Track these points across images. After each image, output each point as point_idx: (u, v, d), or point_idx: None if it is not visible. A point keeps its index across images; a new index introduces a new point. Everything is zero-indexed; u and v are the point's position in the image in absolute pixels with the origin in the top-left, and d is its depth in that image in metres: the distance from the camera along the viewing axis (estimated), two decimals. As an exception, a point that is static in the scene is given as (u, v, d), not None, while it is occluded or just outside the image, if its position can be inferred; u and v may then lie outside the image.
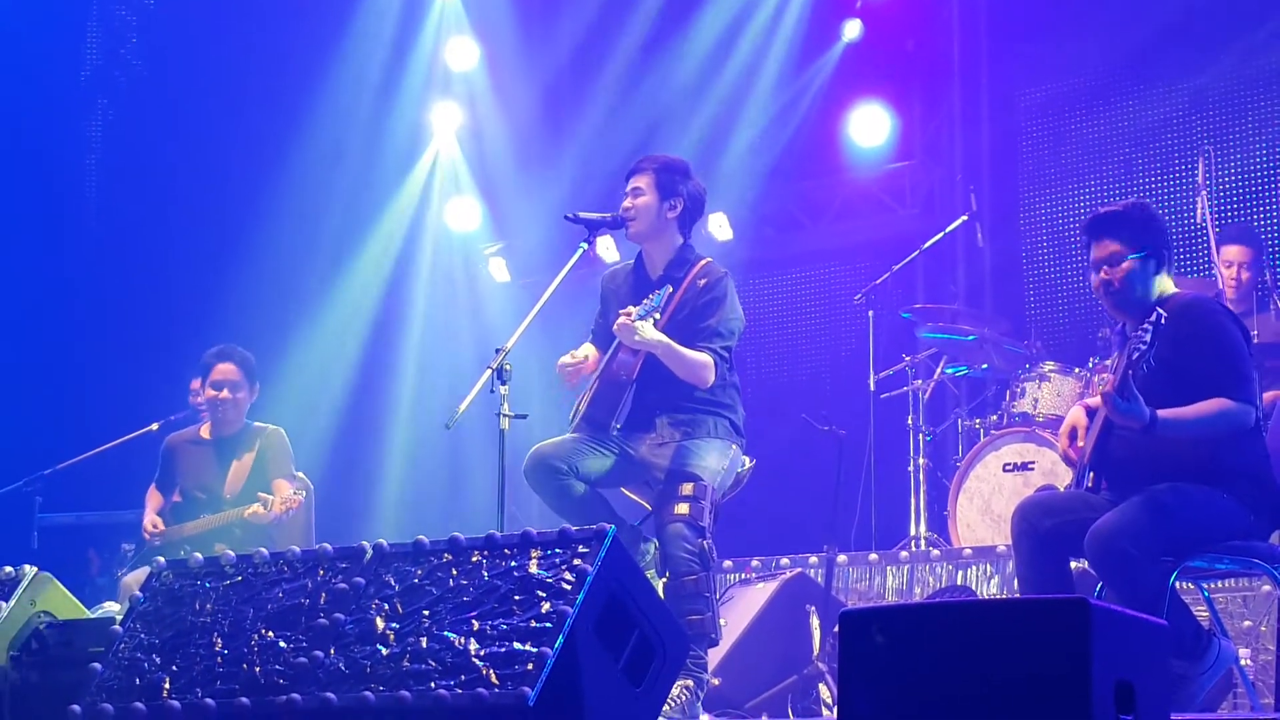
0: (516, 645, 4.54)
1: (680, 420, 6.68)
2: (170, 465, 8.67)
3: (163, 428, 9.50)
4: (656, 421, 6.71)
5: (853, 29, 11.32)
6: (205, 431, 8.65)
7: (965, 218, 10.13)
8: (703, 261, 6.88)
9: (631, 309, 6.61)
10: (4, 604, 5.73)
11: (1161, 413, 5.42)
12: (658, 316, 6.56)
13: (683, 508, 6.45)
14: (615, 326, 6.61)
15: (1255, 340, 7.86)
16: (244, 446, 8.54)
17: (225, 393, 8.51)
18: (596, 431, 6.76)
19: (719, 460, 6.63)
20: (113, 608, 7.90)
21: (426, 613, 4.79)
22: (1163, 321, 5.33)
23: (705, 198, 7.05)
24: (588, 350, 7.04)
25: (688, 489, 6.48)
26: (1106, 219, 5.90)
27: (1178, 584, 5.58)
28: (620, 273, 7.13)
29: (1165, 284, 5.86)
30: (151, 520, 8.46)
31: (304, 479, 8.76)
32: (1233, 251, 8.39)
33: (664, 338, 6.58)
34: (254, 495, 8.17)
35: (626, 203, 6.90)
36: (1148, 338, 5.30)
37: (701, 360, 6.63)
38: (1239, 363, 5.63)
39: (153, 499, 8.63)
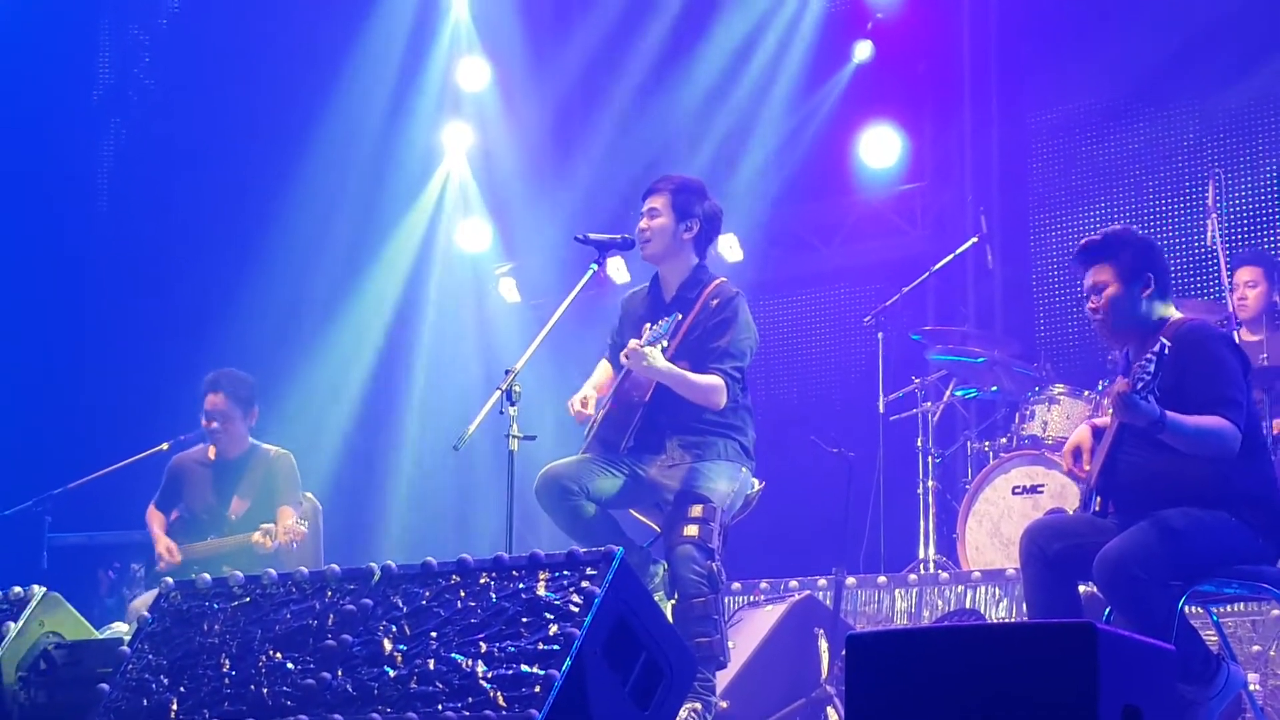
0: (524, 667, 4.54)
1: (690, 442, 6.69)
2: (174, 485, 8.68)
3: (173, 447, 9.50)
4: (667, 443, 6.71)
5: (863, 50, 11.32)
6: (211, 453, 8.67)
7: (975, 240, 10.12)
8: (716, 282, 6.88)
9: (646, 329, 6.62)
10: (13, 624, 5.74)
11: (1170, 414, 5.42)
12: (665, 344, 6.56)
13: (692, 530, 6.45)
14: (623, 356, 6.62)
15: (1266, 362, 7.89)
16: (249, 469, 8.56)
17: (215, 424, 8.56)
18: (608, 452, 6.77)
19: (729, 483, 6.63)
20: (121, 628, 7.90)
21: (434, 634, 4.80)
22: (1167, 351, 5.32)
23: (721, 218, 7.05)
24: (603, 372, 7.07)
25: (697, 511, 6.48)
26: (1091, 247, 5.93)
27: (1186, 608, 5.57)
28: (638, 295, 7.15)
29: (1165, 309, 5.86)
30: (166, 546, 8.44)
31: (312, 500, 8.77)
32: (1243, 273, 8.45)
33: (671, 366, 6.57)
34: (259, 519, 8.18)
35: (643, 223, 6.91)
36: (1152, 367, 5.29)
37: (711, 384, 6.63)
38: (1230, 387, 5.62)
39: (155, 518, 8.62)
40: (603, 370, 7.15)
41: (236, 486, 8.52)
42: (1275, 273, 8.62)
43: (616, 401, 6.82)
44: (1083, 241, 6.00)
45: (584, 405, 6.86)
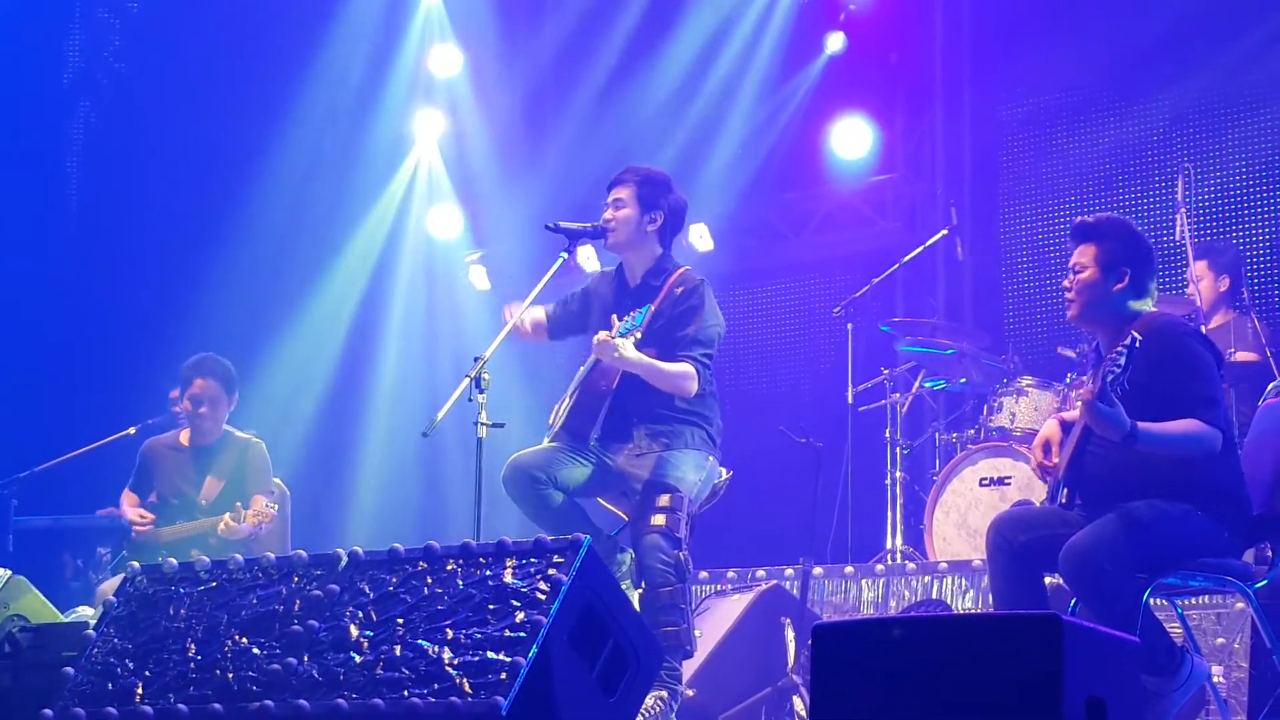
0: (490, 654, 4.54)
1: (658, 431, 6.69)
2: (147, 469, 8.66)
3: (140, 431, 9.49)
4: (634, 432, 6.72)
5: (835, 42, 11.34)
6: (184, 438, 8.65)
7: (945, 232, 10.15)
8: (680, 270, 6.90)
9: (614, 320, 6.63)
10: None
11: (1141, 425, 5.44)
12: (638, 336, 6.57)
13: (659, 519, 6.46)
14: (594, 345, 6.62)
15: (1233, 353, 7.94)
16: (223, 456, 8.54)
17: (204, 409, 8.53)
18: (575, 441, 6.78)
19: (696, 471, 6.65)
20: (86, 612, 7.88)
21: (401, 621, 4.79)
22: (1138, 345, 5.34)
23: (686, 210, 7.09)
24: (531, 314, 7.07)
25: (664, 500, 6.49)
26: (1083, 226, 5.98)
27: (1151, 601, 5.60)
28: (606, 276, 7.16)
29: (1141, 305, 5.87)
30: (139, 513, 8.43)
31: (280, 485, 8.76)
32: (1194, 267, 8.52)
33: (643, 356, 6.58)
34: (229, 505, 8.16)
35: (608, 213, 6.92)
36: (1123, 360, 5.31)
37: (682, 371, 6.65)
38: (1208, 386, 5.64)
39: (128, 499, 8.61)
40: (532, 313, 7.13)
41: (209, 472, 8.50)
42: (1217, 261, 8.69)
43: (584, 390, 6.83)
44: (1082, 218, 6.04)
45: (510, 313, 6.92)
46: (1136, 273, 5.86)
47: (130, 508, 8.53)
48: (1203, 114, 10.24)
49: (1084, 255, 5.91)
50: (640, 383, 6.65)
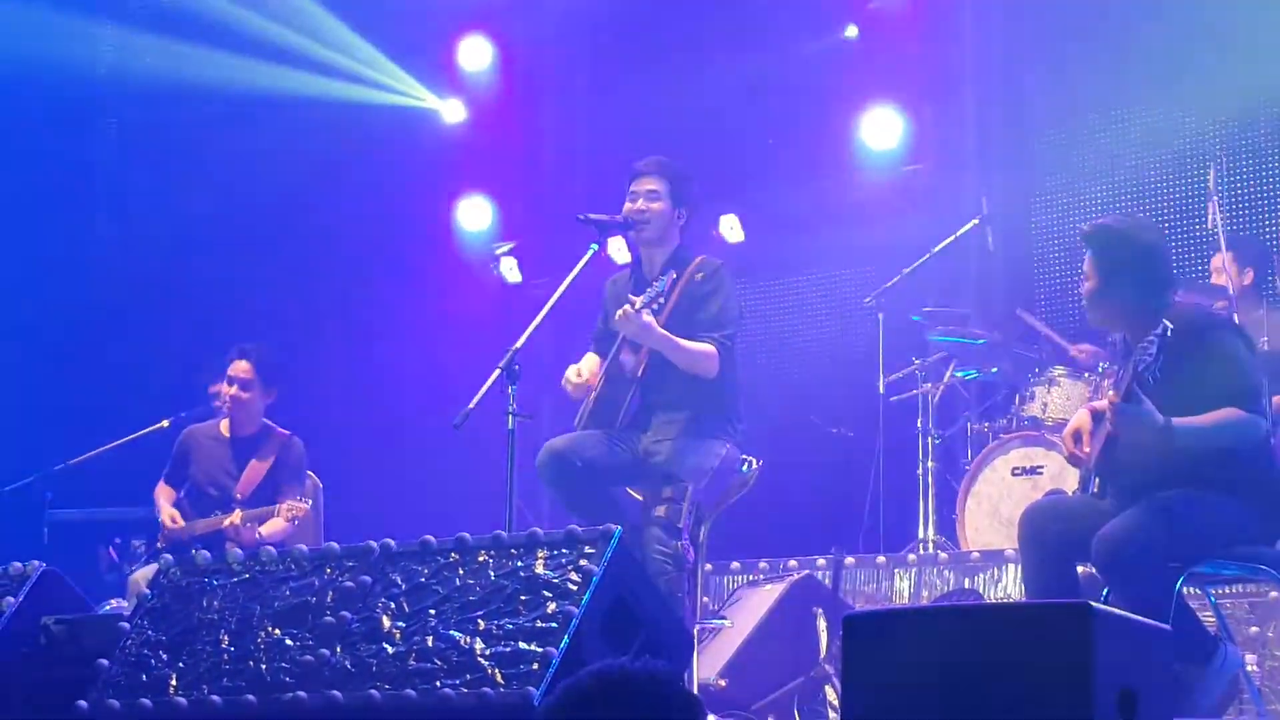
0: (522, 645, 4.56)
1: (675, 419, 6.73)
2: (184, 457, 8.70)
3: (174, 423, 9.53)
4: (654, 420, 6.77)
5: (866, 31, 11.31)
6: (224, 428, 8.69)
7: (976, 221, 10.11)
8: (699, 258, 6.96)
9: (635, 299, 6.64)
10: (12, 599, 5.75)
11: (1177, 421, 5.41)
12: (662, 302, 6.59)
13: (660, 510, 6.54)
14: (617, 317, 6.64)
15: (1265, 346, 7.90)
16: (261, 450, 8.58)
17: (235, 389, 8.56)
18: (603, 430, 6.80)
19: (708, 458, 6.69)
20: (121, 605, 7.93)
21: (433, 612, 4.81)
22: (1168, 334, 5.32)
23: None
24: (590, 362, 7.09)
25: (667, 491, 6.57)
26: (1082, 235, 5.99)
27: (1184, 590, 5.58)
28: (621, 278, 7.21)
29: (1161, 299, 5.84)
30: (170, 514, 8.46)
31: (313, 478, 8.79)
32: (1216, 259, 8.49)
33: (664, 331, 6.61)
34: (264, 500, 8.21)
35: (640, 204, 6.94)
36: (1153, 349, 5.30)
37: (705, 350, 6.68)
38: (1247, 376, 5.62)
39: (163, 494, 8.64)
40: (589, 363, 7.16)
41: (247, 465, 8.54)
42: (1243, 254, 8.62)
43: (608, 380, 6.87)
44: (1086, 223, 6.05)
45: (579, 375, 6.93)
46: (1137, 274, 5.82)
47: (165, 504, 8.56)
48: (1235, 103, 10.17)
49: (1087, 263, 5.93)
50: (661, 371, 6.68)
